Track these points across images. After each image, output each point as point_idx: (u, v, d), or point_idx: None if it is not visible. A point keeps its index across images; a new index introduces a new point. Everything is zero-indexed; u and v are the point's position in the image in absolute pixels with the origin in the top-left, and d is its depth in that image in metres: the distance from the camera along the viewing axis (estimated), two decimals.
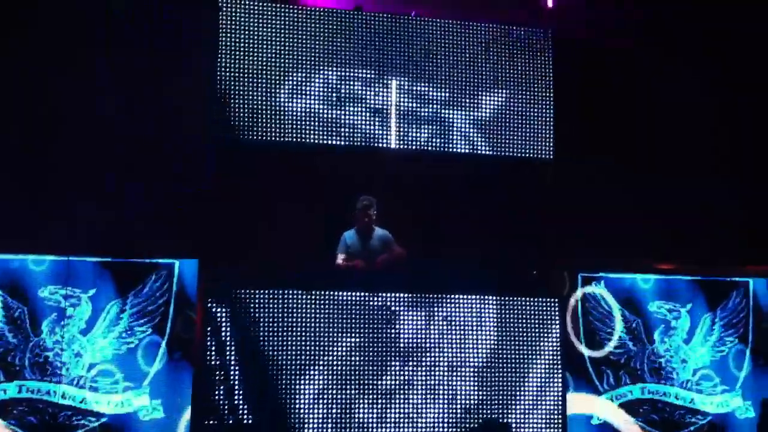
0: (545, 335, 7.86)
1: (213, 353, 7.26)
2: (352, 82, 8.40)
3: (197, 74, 8.12)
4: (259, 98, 8.10)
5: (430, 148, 8.62)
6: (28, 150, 7.73)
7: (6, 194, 7.47)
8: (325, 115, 8.29)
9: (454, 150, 8.66)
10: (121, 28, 7.97)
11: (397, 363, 7.52)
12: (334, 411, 7.31)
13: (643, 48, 9.20)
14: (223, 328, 7.30)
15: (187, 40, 8.14)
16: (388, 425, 7.39)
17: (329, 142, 8.32)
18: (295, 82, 8.27)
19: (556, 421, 7.73)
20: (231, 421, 7.17)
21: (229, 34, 8.08)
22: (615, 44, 9.19)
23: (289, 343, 7.34)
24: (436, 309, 7.69)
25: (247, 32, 8.14)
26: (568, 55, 8.82)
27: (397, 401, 7.44)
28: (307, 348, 7.38)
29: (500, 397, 7.65)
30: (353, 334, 7.48)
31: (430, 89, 8.63)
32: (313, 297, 7.50)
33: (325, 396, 7.32)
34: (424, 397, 7.50)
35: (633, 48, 9.21)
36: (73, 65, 7.81)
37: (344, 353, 7.44)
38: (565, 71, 8.78)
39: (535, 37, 8.80)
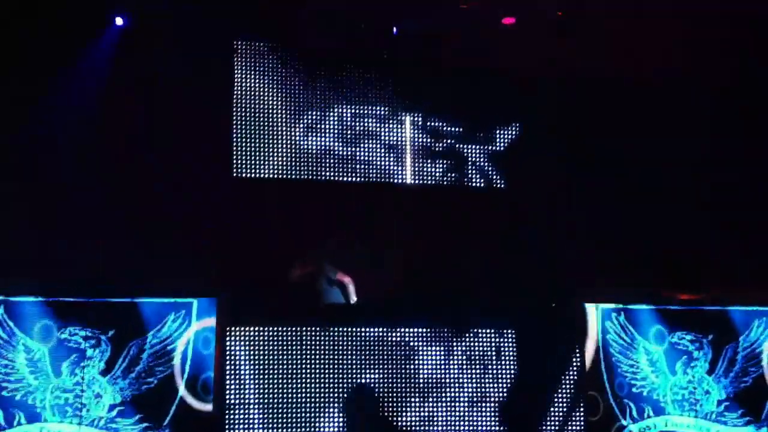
0: (565, 367, 7.79)
1: (232, 391, 7.25)
2: (366, 119, 8.51)
3: (215, 116, 8.24)
4: (275, 137, 8.19)
5: (445, 182, 8.67)
6: (39, 187, 7.78)
7: (23, 234, 7.52)
8: (341, 152, 8.37)
9: (469, 184, 8.70)
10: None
11: (418, 398, 7.48)
12: None
13: None
14: (242, 366, 7.30)
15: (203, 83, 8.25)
16: None
17: (345, 178, 8.38)
18: (310, 121, 8.36)
19: None
20: None
21: (243, 76, 8.21)
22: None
23: (309, 379, 7.32)
24: (455, 343, 7.66)
25: (261, 74, 8.26)
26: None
27: None
28: (327, 384, 7.35)
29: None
30: (373, 370, 7.45)
31: (445, 125, 8.70)
32: (332, 333, 7.50)
33: None
34: None
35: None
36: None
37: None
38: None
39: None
